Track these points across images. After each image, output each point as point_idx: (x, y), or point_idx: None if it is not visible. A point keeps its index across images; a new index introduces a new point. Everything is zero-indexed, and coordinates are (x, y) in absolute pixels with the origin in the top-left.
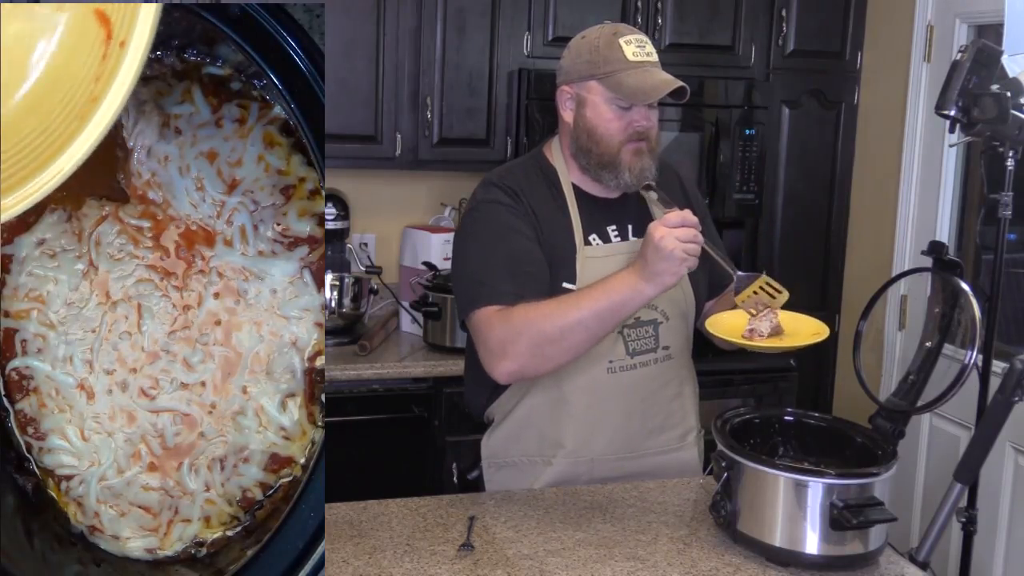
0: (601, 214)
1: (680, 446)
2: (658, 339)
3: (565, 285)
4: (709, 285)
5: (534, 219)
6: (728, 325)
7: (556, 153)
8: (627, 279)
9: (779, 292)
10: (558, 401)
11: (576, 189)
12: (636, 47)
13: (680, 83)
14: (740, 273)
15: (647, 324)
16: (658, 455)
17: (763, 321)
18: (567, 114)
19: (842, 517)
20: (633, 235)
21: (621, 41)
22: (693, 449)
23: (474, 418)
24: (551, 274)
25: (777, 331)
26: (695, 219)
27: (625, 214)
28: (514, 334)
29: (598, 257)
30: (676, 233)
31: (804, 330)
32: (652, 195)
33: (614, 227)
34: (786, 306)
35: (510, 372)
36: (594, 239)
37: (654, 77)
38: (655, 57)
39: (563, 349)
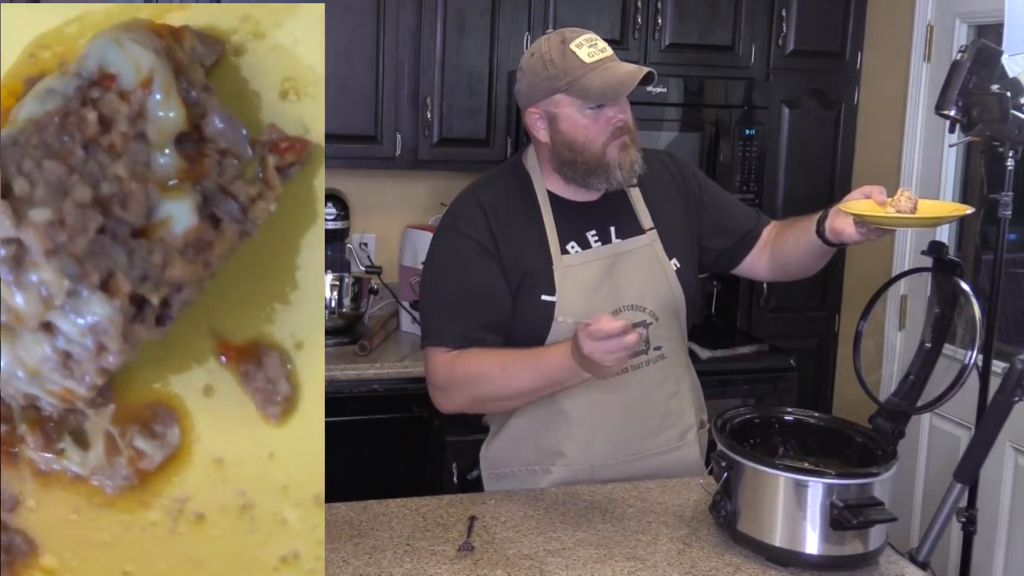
0: (579, 219)
1: (680, 445)
2: (649, 341)
3: (544, 298)
4: (729, 239)
5: (502, 241)
6: (866, 206)
7: (532, 161)
8: (566, 363)
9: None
10: (553, 411)
11: (552, 196)
12: (588, 47)
13: (646, 69)
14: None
15: (636, 328)
16: (657, 455)
17: (902, 201)
18: (541, 134)
19: (842, 517)
20: (616, 237)
21: (572, 47)
22: (694, 446)
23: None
24: (528, 287)
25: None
26: (617, 325)
27: (606, 216)
28: (454, 386)
29: (575, 265)
30: (601, 347)
31: (943, 209)
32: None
33: (594, 231)
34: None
35: (451, 411)
36: (572, 247)
37: (617, 72)
38: (610, 51)
39: (503, 407)
